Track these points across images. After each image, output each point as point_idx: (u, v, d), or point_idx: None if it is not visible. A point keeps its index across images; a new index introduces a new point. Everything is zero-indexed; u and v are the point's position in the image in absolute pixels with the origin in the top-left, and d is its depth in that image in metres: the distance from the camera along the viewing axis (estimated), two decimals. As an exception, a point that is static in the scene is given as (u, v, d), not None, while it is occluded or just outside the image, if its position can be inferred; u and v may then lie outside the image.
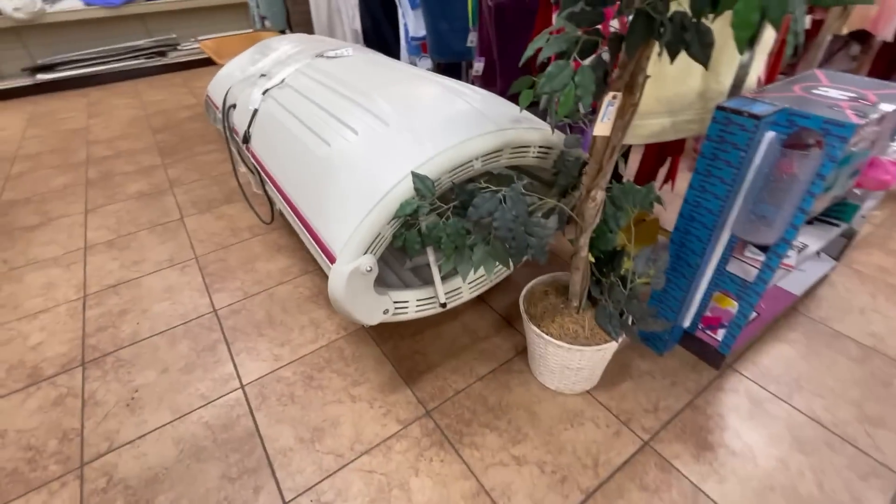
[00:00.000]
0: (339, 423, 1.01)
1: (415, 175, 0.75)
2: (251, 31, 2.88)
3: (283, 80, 1.22)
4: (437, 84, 0.98)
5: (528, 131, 0.87)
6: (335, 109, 0.96)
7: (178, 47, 3.86)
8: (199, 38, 2.96)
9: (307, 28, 2.15)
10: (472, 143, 0.81)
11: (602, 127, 0.71)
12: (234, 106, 1.35)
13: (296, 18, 2.21)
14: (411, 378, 1.11)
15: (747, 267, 0.96)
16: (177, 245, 1.64)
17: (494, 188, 0.75)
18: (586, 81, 0.58)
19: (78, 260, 1.58)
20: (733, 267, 0.97)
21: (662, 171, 1.77)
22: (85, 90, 3.49)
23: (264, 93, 1.22)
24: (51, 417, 1.05)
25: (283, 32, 2.54)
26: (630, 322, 0.90)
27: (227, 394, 1.09)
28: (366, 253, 0.77)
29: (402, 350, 1.18)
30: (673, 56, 0.61)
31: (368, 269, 0.77)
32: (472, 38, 1.29)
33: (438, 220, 0.76)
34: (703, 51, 0.60)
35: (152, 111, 2.98)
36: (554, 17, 1.14)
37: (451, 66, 1.71)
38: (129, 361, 1.19)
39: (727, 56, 0.94)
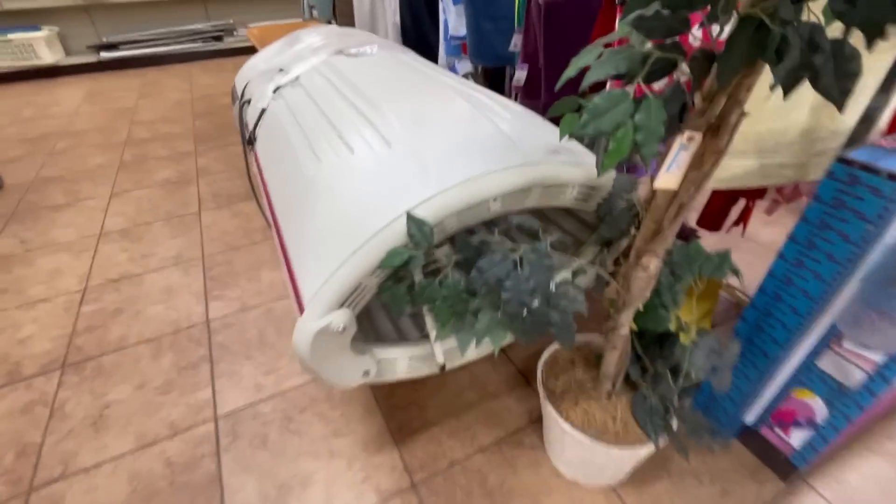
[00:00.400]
0: (309, 482, 0.87)
1: (410, 217, 0.58)
2: (299, 20, 2.81)
3: (296, 78, 1.08)
4: (462, 97, 0.81)
5: (567, 167, 0.68)
6: (337, 119, 0.81)
7: (235, 33, 3.89)
8: (250, 25, 2.93)
9: (351, 20, 2.03)
10: (489, 179, 0.63)
11: (667, 178, 0.51)
12: (248, 101, 1.23)
13: (340, 9, 2.10)
14: (402, 436, 0.95)
15: (848, 366, 0.72)
16: (187, 241, 1.56)
17: (511, 246, 0.57)
18: (653, 122, 0.38)
19: (90, 247, 1.54)
20: (827, 363, 0.73)
21: (734, 211, 1.51)
22: (142, 70, 3.57)
23: (276, 90, 1.09)
24: (15, 426, 0.98)
25: (329, 23, 2.44)
26: (676, 424, 0.69)
27: (198, 426, 0.97)
28: (341, 307, 0.61)
29: (398, 398, 1.02)
30: (790, 88, 0.41)
31: (341, 328, 0.61)
32: (517, 42, 1.10)
33: (433, 276, 0.59)
34: (840, 84, 0.39)
35: (198, 95, 2.98)
36: (618, 21, 0.93)
37: (496, 72, 1.52)
38: (109, 371, 1.10)
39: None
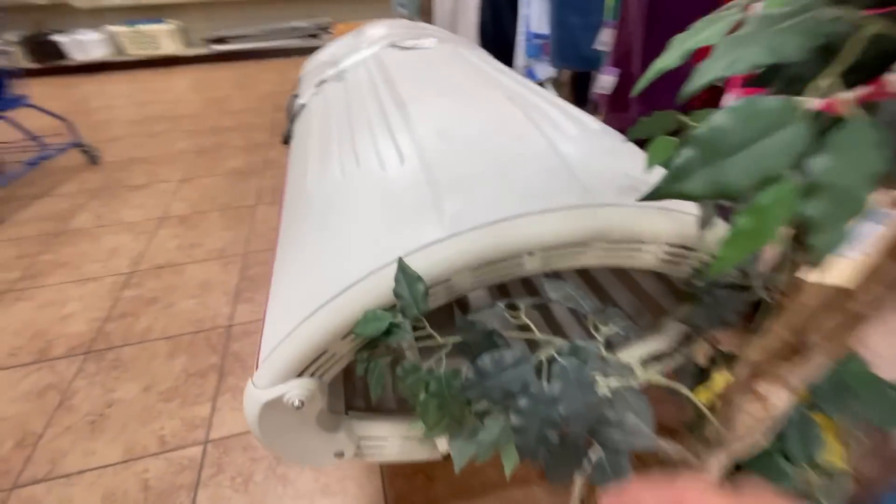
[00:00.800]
0: (281, 549, 0.73)
1: (402, 266, 0.41)
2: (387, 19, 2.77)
3: (342, 71, 0.96)
4: (516, 103, 0.61)
5: (649, 215, 0.46)
6: (357, 121, 0.66)
7: (330, 30, 4.00)
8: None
9: (431, 17, 1.91)
10: (526, 224, 0.43)
11: (839, 267, 0.27)
12: (296, 95, 1.14)
13: (423, 5, 1.99)
14: (399, 512, 0.77)
15: None
16: (235, 235, 1.53)
17: (540, 336, 0.37)
18: (854, 174, 0.17)
19: (149, 230, 1.57)
20: None
21: None
22: (244, 62, 3.80)
23: (319, 84, 0.98)
24: (26, 410, 0.96)
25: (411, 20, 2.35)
26: None
27: (187, 447, 0.88)
28: (301, 375, 0.45)
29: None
30: None
31: (298, 403, 0.45)
32: (605, 38, 0.87)
33: (418, 362, 0.40)
34: None
35: (285, 89, 3.07)
36: None
37: (582, 79, 1.29)
38: (125, 364, 1.06)
39: None
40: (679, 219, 0.48)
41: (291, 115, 1.04)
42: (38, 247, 1.50)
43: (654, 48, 0.83)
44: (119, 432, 0.91)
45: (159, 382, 1.02)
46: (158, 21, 3.57)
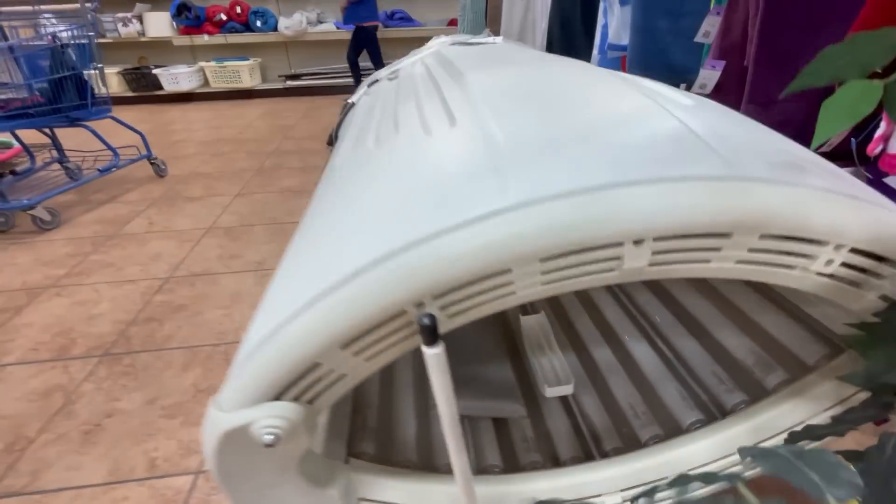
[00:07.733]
0: None
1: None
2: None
3: (397, 70, 0.88)
4: (609, 73, 0.48)
5: (829, 202, 0.29)
6: (404, 98, 0.55)
7: (397, 71, 4.14)
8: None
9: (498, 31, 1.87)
10: (637, 196, 0.28)
11: None
12: (353, 104, 1.08)
13: (491, 15, 1.95)
14: None
15: None
16: (276, 248, 1.48)
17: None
18: None
19: (194, 239, 1.55)
20: None
21: None
22: (314, 97, 4.01)
23: (371, 84, 0.90)
24: (27, 411, 0.89)
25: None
26: None
27: (176, 475, 0.76)
28: (280, 398, 0.31)
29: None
30: None
31: (270, 438, 0.31)
32: (709, 28, 0.72)
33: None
34: None
35: (348, 120, 3.16)
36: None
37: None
38: (136, 372, 0.98)
39: None
40: (874, 214, 0.30)
41: (340, 118, 0.96)
42: (89, 247, 1.52)
43: (774, 31, 0.68)
44: (110, 447, 0.81)
45: (166, 396, 0.91)
46: (243, 59, 3.87)
